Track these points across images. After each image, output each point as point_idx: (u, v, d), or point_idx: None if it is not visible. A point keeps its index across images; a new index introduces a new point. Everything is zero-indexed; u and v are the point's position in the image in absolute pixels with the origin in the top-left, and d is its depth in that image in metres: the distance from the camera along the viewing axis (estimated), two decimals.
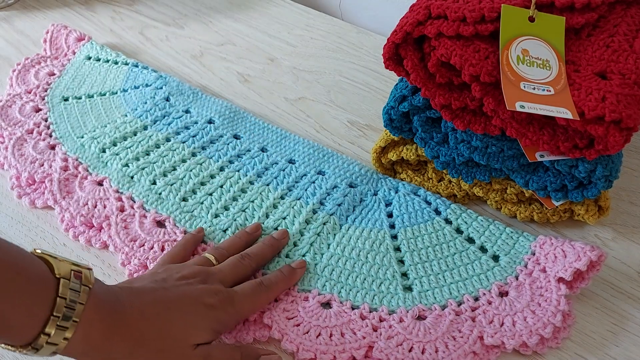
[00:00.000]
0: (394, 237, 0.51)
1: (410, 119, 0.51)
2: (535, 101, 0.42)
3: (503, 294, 0.46)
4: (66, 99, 0.65)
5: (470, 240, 0.50)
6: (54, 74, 0.69)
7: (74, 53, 0.71)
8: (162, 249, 0.50)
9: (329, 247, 0.50)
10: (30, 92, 0.66)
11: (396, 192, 0.54)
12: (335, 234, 0.51)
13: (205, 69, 0.72)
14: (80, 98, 0.65)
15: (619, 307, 0.47)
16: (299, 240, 0.51)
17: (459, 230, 0.51)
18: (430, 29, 0.44)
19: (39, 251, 0.36)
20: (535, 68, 0.44)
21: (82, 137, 0.60)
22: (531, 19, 0.45)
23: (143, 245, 0.50)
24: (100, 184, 0.55)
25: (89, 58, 0.71)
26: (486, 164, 0.50)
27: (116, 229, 0.51)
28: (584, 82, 0.43)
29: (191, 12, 0.81)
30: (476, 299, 0.46)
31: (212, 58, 0.73)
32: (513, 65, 0.43)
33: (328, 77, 0.70)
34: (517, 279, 0.47)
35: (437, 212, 0.52)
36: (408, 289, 0.47)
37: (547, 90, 0.43)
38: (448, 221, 0.51)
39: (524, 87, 0.43)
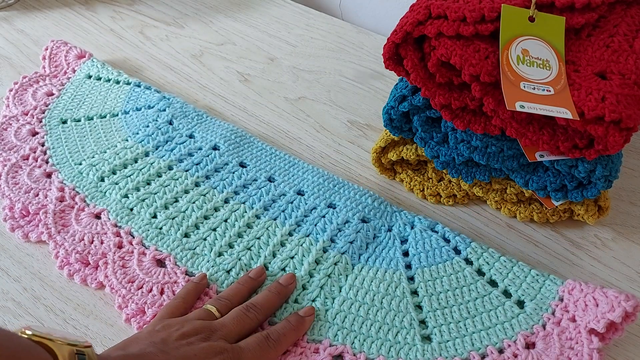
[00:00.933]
0: (411, 278, 0.47)
1: (410, 118, 0.51)
2: (535, 101, 0.42)
3: (529, 345, 0.43)
4: (64, 122, 0.62)
5: (493, 283, 0.46)
6: (52, 94, 0.66)
7: (74, 71, 0.68)
8: (162, 292, 0.46)
9: (340, 291, 0.47)
10: (27, 114, 0.63)
11: (412, 228, 0.51)
12: (347, 275, 0.48)
13: (205, 68, 0.72)
14: (79, 120, 0.62)
15: None
16: (308, 282, 0.47)
17: (480, 272, 0.47)
18: (430, 29, 0.44)
19: (29, 332, 0.33)
20: (535, 68, 0.44)
21: (80, 164, 0.57)
22: (531, 19, 0.45)
23: (141, 287, 0.47)
24: (97, 216, 0.52)
25: (90, 77, 0.68)
26: (486, 164, 0.50)
27: (113, 267, 0.47)
28: (584, 82, 0.43)
29: (191, 11, 0.81)
30: (500, 351, 0.42)
31: (212, 57, 0.73)
32: (513, 65, 0.43)
33: (328, 77, 0.70)
34: (544, 328, 0.43)
35: (457, 251, 0.49)
36: (427, 338, 0.44)
37: (547, 90, 0.43)
38: (468, 261, 0.48)
39: (524, 87, 0.43)
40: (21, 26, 0.78)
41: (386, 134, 0.54)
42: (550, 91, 0.43)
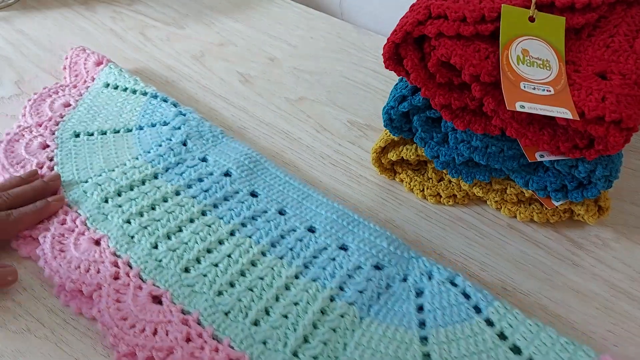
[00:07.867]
0: (424, 338, 0.42)
1: (410, 119, 0.51)
2: (535, 101, 0.42)
3: None
4: (77, 135, 0.59)
5: (516, 351, 0.41)
6: (69, 105, 0.63)
7: (93, 79, 0.67)
8: (155, 332, 0.43)
9: (345, 348, 0.42)
10: (40, 126, 0.60)
11: (429, 279, 0.46)
12: (354, 330, 0.43)
13: (205, 69, 0.72)
14: (92, 134, 0.60)
15: (619, 307, 0.47)
16: (311, 335, 0.42)
17: (502, 336, 0.42)
18: (430, 29, 0.44)
19: None
20: (535, 68, 0.44)
21: (87, 182, 0.54)
22: (531, 19, 0.45)
23: (134, 326, 0.43)
24: (97, 243, 0.49)
25: (107, 85, 0.65)
26: (486, 164, 0.50)
27: (107, 302, 0.44)
28: (584, 82, 0.43)
29: (192, 12, 0.81)
30: None
31: (212, 58, 0.73)
32: (513, 65, 0.43)
33: (328, 77, 0.70)
34: None
35: (477, 310, 0.43)
36: None
37: (547, 90, 0.43)
38: (490, 322, 0.42)
39: (524, 87, 0.43)
40: (21, 26, 0.78)
41: (386, 134, 0.54)
42: (550, 91, 0.43)
